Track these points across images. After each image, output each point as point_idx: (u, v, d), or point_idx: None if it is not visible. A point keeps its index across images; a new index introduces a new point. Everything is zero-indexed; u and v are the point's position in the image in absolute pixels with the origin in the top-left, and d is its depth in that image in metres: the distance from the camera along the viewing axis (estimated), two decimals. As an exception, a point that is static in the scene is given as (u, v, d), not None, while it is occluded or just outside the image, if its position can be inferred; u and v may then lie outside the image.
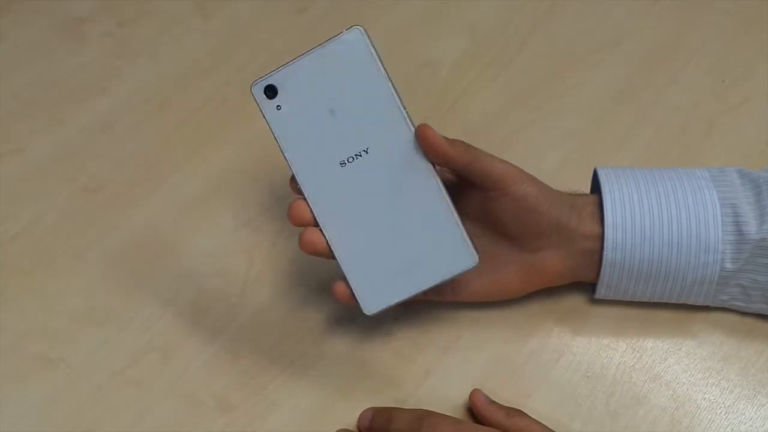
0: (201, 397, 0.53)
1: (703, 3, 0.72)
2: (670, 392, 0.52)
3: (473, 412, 0.51)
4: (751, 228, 0.50)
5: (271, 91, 0.46)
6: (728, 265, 0.50)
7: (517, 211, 0.50)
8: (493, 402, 0.50)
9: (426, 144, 0.47)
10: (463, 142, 0.49)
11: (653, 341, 0.54)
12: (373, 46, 0.46)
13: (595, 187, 0.55)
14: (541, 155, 0.63)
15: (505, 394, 0.52)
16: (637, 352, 0.54)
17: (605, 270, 0.51)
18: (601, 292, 0.53)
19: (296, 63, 0.47)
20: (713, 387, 0.52)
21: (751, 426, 0.51)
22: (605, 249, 0.50)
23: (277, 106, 0.47)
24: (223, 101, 0.67)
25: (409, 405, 0.52)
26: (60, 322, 0.56)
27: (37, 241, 0.60)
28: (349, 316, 0.56)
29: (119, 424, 0.52)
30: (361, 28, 0.46)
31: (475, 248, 0.47)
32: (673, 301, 0.53)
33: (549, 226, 0.50)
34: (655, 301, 0.53)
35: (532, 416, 0.49)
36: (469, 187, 0.50)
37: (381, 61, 0.46)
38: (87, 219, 0.61)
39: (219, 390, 0.53)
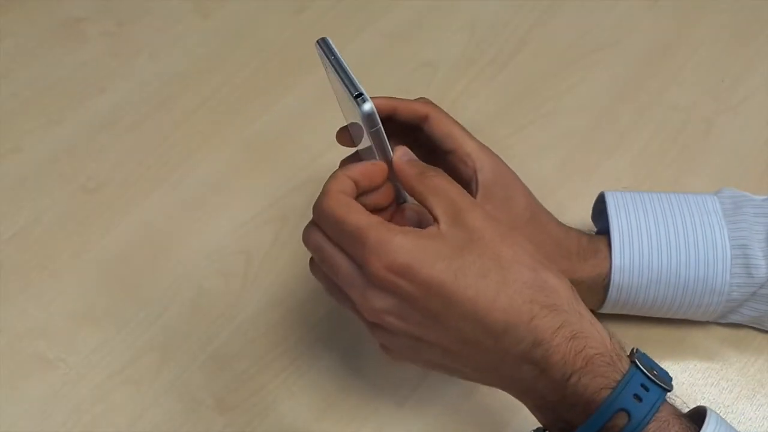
0: (200, 397, 0.53)
1: (702, 3, 0.72)
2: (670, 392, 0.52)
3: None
4: (761, 271, 0.49)
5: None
6: (733, 303, 0.50)
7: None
8: (413, 160, 0.43)
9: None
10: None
11: (653, 342, 0.54)
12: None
13: (597, 211, 0.54)
14: (541, 155, 0.63)
15: (504, 395, 0.52)
16: (637, 352, 0.54)
17: (607, 305, 0.51)
18: (602, 312, 0.52)
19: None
20: (713, 387, 0.52)
21: (750, 426, 0.51)
22: (610, 290, 0.50)
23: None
24: (222, 101, 0.67)
25: (409, 405, 0.52)
26: (59, 322, 0.56)
27: (36, 241, 0.60)
28: (348, 317, 0.56)
29: (118, 423, 0.52)
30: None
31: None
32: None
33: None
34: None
35: (532, 416, 0.49)
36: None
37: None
38: (86, 219, 0.61)
39: (218, 390, 0.53)
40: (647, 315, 0.52)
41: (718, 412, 0.51)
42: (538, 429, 0.43)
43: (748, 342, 0.54)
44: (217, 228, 0.60)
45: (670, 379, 0.40)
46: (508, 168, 0.49)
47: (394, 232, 0.39)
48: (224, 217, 0.61)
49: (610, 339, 0.40)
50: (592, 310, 0.51)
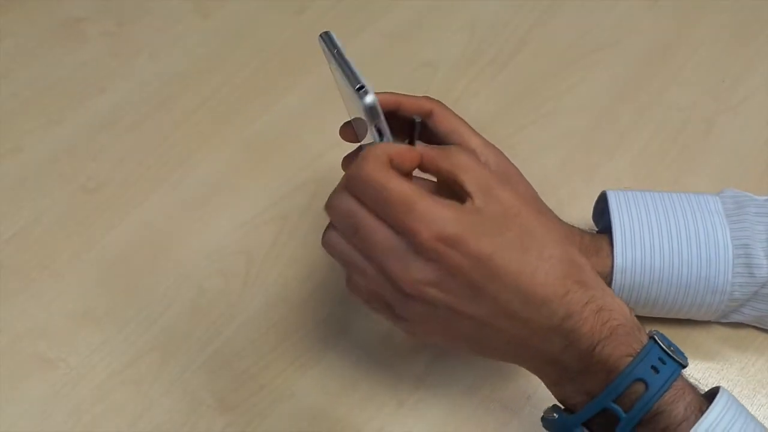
0: (200, 397, 0.53)
1: (702, 3, 0.72)
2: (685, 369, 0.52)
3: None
4: (763, 270, 0.49)
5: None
6: (734, 303, 0.50)
7: None
8: (429, 145, 0.43)
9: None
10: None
11: (653, 341, 0.54)
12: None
13: (598, 210, 0.54)
14: (541, 155, 0.63)
15: (504, 395, 0.52)
16: (637, 351, 0.54)
17: None
18: None
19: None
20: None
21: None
22: (612, 289, 0.49)
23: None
24: (222, 101, 0.67)
25: (409, 405, 0.52)
26: (59, 322, 0.56)
27: (36, 241, 0.60)
28: (349, 317, 0.56)
29: (119, 423, 0.52)
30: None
31: None
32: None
33: None
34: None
35: (532, 416, 0.49)
36: None
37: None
38: (86, 219, 0.61)
39: (218, 390, 0.53)
40: (649, 315, 0.52)
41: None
42: (553, 406, 0.43)
43: (749, 342, 0.54)
44: (217, 228, 0.60)
45: (686, 357, 0.41)
46: (512, 164, 0.49)
47: (441, 203, 0.39)
48: (224, 217, 0.61)
49: (632, 312, 0.42)
50: None
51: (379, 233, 0.39)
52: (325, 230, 0.42)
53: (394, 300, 0.41)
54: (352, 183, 0.40)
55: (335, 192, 0.41)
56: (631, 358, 0.39)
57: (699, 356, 0.53)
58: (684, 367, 0.40)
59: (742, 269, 0.49)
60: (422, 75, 0.68)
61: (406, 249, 0.39)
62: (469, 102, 0.66)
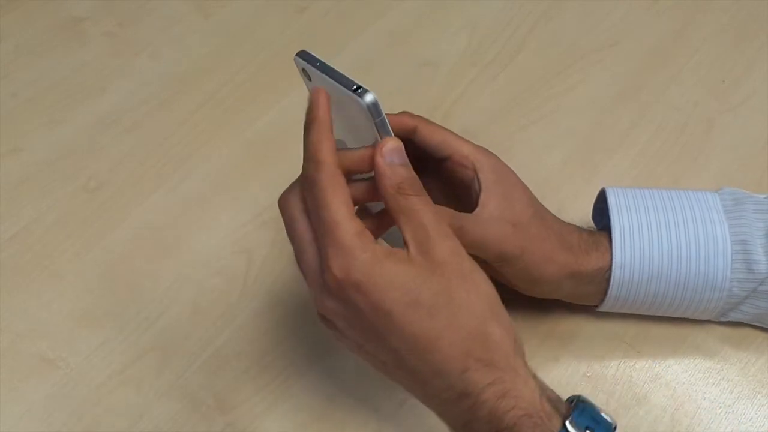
0: (201, 397, 0.53)
1: (702, 3, 0.72)
2: (670, 392, 0.52)
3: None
4: (762, 267, 0.49)
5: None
6: (734, 299, 0.50)
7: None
8: (397, 166, 0.40)
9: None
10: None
11: (653, 341, 0.54)
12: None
13: (598, 210, 0.54)
14: (541, 155, 0.63)
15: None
16: (637, 352, 0.54)
17: (608, 301, 0.51)
18: (601, 310, 0.52)
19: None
20: (713, 387, 0.52)
21: (751, 426, 0.51)
22: (611, 286, 0.49)
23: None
24: (222, 101, 0.67)
25: (410, 404, 0.52)
26: (60, 322, 0.56)
27: (37, 241, 0.60)
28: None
29: (119, 424, 0.52)
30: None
31: None
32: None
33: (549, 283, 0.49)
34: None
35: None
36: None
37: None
38: (87, 219, 0.61)
39: (219, 390, 0.53)
40: (648, 314, 0.52)
41: (718, 412, 0.51)
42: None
43: (749, 342, 0.54)
44: (217, 228, 0.60)
45: (614, 428, 0.39)
46: (507, 166, 0.49)
47: (365, 244, 0.38)
48: (224, 217, 0.61)
49: (543, 399, 0.39)
50: (593, 306, 0.51)
51: (309, 249, 0.40)
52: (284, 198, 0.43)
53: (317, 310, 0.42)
54: (306, 186, 0.40)
55: (291, 187, 0.42)
56: None
57: (699, 356, 0.53)
58: None
59: (740, 265, 0.49)
60: (422, 75, 0.68)
61: (323, 278, 0.39)
62: (470, 102, 0.66)
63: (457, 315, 0.38)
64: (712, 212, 0.50)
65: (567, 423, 0.38)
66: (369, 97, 0.40)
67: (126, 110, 0.67)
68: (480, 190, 0.46)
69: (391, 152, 0.40)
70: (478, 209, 0.46)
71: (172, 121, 0.66)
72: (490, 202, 0.46)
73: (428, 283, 0.38)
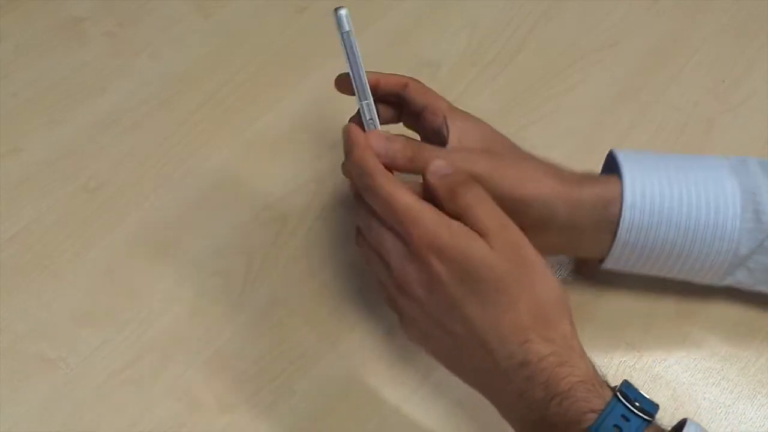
0: (201, 397, 0.53)
1: (703, 3, 0.72)
2: (670, 392, 0.52)
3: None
4: None
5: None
6: (742, 252, 0.49)
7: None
8: (442, 173, 0.46)
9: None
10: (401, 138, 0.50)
11: (653, 341, 0.54)
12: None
13: (606, 170, 0.54)
14: (542, 155, 0.63)
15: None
16: (637, 352, 0.54)
17: (616, 248, 0.50)
18: (607, 265, 0.52)
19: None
20: (713, 387, 0.52)
21: (751, 426, 0.51)
22: (620, 229, 0.49)
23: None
24: (222, 101, 0.67)
25: (411, 404, 0.52)
26: (60, 322, 0.56)
27: (37, 241, 0.60)
28: (349, 317, 0.56)
29: (119, 424, 0.52)
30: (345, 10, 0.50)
31: None
32: (677, 279, 0.52)
33: (544, 219, 0.49)
34: (660, 276, 0.52)
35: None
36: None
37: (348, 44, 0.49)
38: (87, 219, 0.61)
39: (219, 390, 0.53)
40: (653, 272, 0.51)
41: (718, 412, 0.51)
42: None
43: (749, 342, 0.54)
44: (217, 228, 0.60)
45: (656, 409, 0.41)
46: (483, 122, 0.52)
47: (442, 218, 0.43)
48: (224, 217, 0.61)
49: (596, 373, 0.42)
50: (600, 260, 0.52)
51: (386, 236, 0.45)
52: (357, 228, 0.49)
53: (394, 292, 0.46)
54: (366, 194, 0.46)
55: (357, 201, 0.47)
56: (594, 415, 0.40)
57: (699, 356, 0.53)
58: (651, 421, 0.40)
59: (750, 215, 0.49)
60: (422, 75, 0.67)
61: (406, 252, 0.44)
62: (470, 102, 0.66)
63: (524, 295, 0.43)
64: (720, 169, 0.50)
65: (618, 393, 0.41)
66: (340, 11, 0.48)
67: (126, 110, 0.67)
68: (448, 131, 0.50)
69: (437, 168, 0.46)
70: (448, 144, 0.50)
71: (172, 121, 0.66)
72: (455, 137, 0.50)
73: (501, 263, 0.43)
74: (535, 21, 0.72)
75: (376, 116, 0.49)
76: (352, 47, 0.49)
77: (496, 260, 0.42)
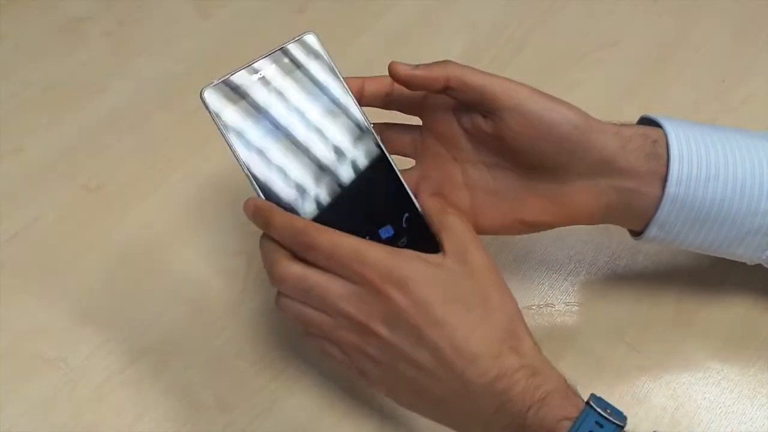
0: (201, 397, 0.53)
1: (702, 3, 0.72)
2: (670, 392, 0.52)
3: None
4: None
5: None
6: None
7: (530, 131, 0.47)
8: (436, 196, 0.49)
9: (395, 76, 0.50)
10: (443, 62, 0.50)
11: (653, 341, 0.54)
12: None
13: None
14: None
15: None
16: (637, 352, 0.54)
17: (664, 206, 0.47)
18: (651, 232, 0.48)
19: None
20: (714, 386, 0.52)
21: (751, 426, 0.51)
22: (668, 183, 0.46)
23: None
24: (222, 101, 0.67)
25: (409, 405, 0.52)
26: (59, 322, 0.56)
27: (37, 241, 0.60)
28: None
29: (119, 424, 0.52)
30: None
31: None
32: (718, 254, 0.50)
33: (574, 153, 0.46)
34: (702, 251, 0.50)
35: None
36: (473, 118, 0.49)
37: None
38: (87, 219, 0.61)
39: (219, 390, 0.53)
40: (697, 241, 0.49)
41: (718, 412, 0.51)
42: None
43: (749, 342, 0.54)
44: (217, 228, 0.60)
45: (625, 420, 0.42)
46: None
47: (396, 251, 0.43)
48: (224, 217, 0.61)
49: (566, 381, 0.43)
50: (640, 232, 0.49)
51: (333, 286, 0.43)
52: (276, 297, 0.46)
53: (351, 343, 0.44)
54: (306, 253, 0.44)
55: (276, 263, 0.44)
56: (568, 422, 0.40)
57: (699, 356, 0.53)
58: (622, 428, 0.41)
59: None
60: (422, 75, 0.68)
61: (360, 292, 0.43)
62: (470, 102, 0.66)
63: (492, 312, 0.43)
64: (759, 138, 0.49)
65: (590, 401, 0.41)
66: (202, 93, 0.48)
67: (126, 110, 0.67)
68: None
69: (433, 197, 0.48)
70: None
71: (172, 121, 0.66)
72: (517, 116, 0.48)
73: (465, 283, 0.43)
74: (535, 21, 0.72)
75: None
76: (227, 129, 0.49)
77: (462, 283, 0.43)
